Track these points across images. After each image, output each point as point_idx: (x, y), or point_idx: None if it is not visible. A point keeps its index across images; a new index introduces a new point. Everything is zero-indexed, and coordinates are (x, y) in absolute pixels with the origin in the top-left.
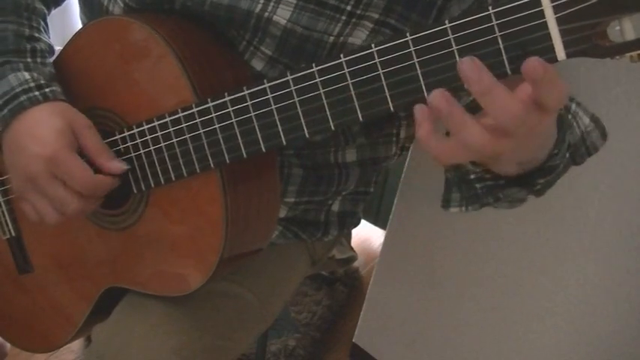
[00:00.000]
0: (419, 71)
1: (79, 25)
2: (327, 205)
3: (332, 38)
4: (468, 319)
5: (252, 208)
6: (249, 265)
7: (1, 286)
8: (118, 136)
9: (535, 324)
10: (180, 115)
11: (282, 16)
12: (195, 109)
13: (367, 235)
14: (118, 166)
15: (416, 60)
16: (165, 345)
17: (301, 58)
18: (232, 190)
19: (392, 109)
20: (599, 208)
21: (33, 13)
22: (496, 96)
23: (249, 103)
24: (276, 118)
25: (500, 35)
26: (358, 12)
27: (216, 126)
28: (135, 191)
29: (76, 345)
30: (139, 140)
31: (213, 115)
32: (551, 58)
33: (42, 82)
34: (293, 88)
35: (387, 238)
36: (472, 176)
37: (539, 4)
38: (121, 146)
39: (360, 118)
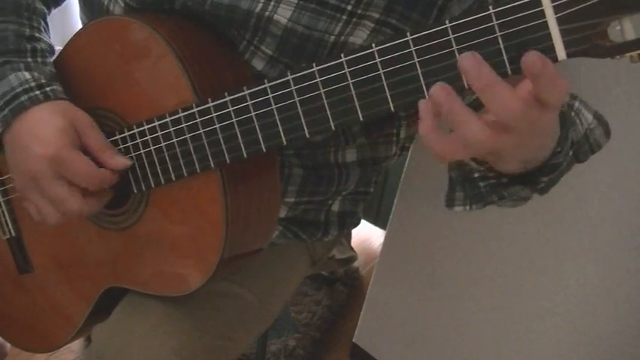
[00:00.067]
0: (419, 71)
1: (79, 25)
2: (327, 205)
3: (333, 38)
4: (468, 319)
5: (253, 208)
6: (249, 265)
7: (1, 286)
8: (118, 136)
9: (535, 324)
10: (181, 115)
11: (283, 15)
12: (195, 109)
13: (367, 235)
14: (122, 161)
15: (416, 60)
16: (166, 345)
17: (302, 58)
18: (233, 190)
19: (392, 109)
20: (599, 208)
21: (33, 13)
22: (496, 91)
23: (249, 102)
24: (277, 117)
25: (501, 35)
26: (359, 11)
27: (217, 126)
28: (135, 191)
29: (76, 345)
30: (139, 140)
31: (214, 115)
32: (552, 58)
33: (42, 81)
34: (293, 87)
35: (387, 238)
36: (476, 175)
37: (540, 4)
38: (122, 146)
39: (361, 118)
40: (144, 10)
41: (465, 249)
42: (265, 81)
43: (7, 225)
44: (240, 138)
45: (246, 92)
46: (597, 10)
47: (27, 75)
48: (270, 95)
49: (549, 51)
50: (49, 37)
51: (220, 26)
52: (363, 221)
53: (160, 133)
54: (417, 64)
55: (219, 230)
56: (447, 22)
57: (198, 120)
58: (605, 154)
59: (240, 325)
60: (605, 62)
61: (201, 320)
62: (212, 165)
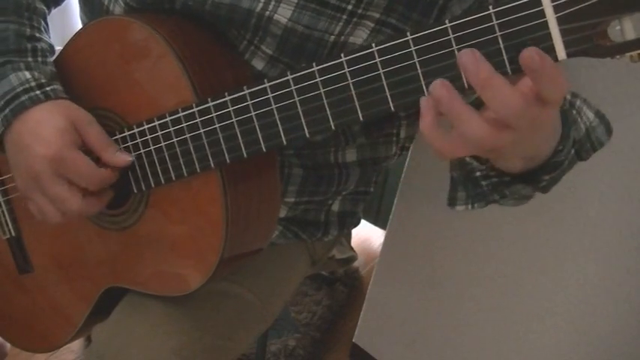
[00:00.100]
0: (419, 71)
1: (79, 25)
2: (327, 205)
3: (333, 37)
4: (468, 319)
5: (253, 207)
6: (249, 265)
7: (1, 286)
8: (118, 136)
9: (535, 324)
10: (181, 114)
11: (283, 15)
12: (195, 109)
13: (367, 235)
14: (124, 158)
15: (416, 59)
16: (166, 345)
17: (302, 58)
18: (233, 190)
19: (392, 108)
20: (599, 208)
21: (34, 13)
22: (495, 88)
23: (249, 102)
24: (277, 117)
25: (501, 35)
26: (359, 11)
27: (217, 125)
28: (135, 191)
29: (76, 345)
30: (139, 140)
31: (214, 114)
32: (552, 58)
33: (43, 80)
34: (293, 87)
35: (387, 238)
36: (477, 174)
37: (540, 4)
38: (122, 146)
39: (361, 118)
40: (144, 10)
41: (465, 249)
42: (265, 81)
43: (7, 225)
44: (240, 138)
45: (246, 92)
46: (597, 10)
47: (27, 75)
48: (270, 95)
49: (549, 51)
50: (49, 37)
51: (220, 26)
52: (363, 221)
53: (159, 133)
54: (417, 63)
55: (219, 230)
56: (446, 21)
57: (198, 120)
58: (605, 154)
59: (241, 325)
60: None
61: (201, 320)
62: (212, 165)
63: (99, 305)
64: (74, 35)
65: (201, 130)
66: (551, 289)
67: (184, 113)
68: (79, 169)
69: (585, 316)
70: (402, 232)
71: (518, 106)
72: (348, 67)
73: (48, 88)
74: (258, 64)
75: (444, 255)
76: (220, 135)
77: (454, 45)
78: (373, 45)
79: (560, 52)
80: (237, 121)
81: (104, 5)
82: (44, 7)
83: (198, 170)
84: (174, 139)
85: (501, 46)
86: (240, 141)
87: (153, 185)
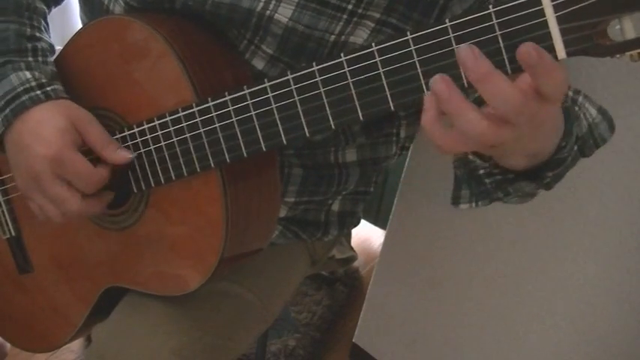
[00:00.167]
0: (419, 70)
1: (79, 25)
2: (327, 205)
3: (333, 37)
4: (468, 319)
5: (253, 207)
6: (249, 265)
7: (1, 286)
8: (118, 136)
9: (535, 324)
10: (181, 114)
11: (284, 14)
12: (195, 109)
13: (367, 235)
14: (124, 155)
15: (416, 59)
16: (166, 345)
17: (302, 57)
18: (233, 190)
19: (392, 108)
20: (599, 208)
21: (34, 12)
22: (494, 83)
23: (249, 102)
24: (277, 117)
25: (501, 34)
26: (359, 11)
27: (217, 125)
28: (135, 191)
29: (76, 345)
30: (139, 139)
31: (214, 114)
32: (552, 57)
33: (43, 80)
34: (293, 87)
35: (387, 238)
36: (481, 172)
37: (540, 3)
38: (122, 145)
39: (361, 118)
40: (144, 10)
41: (465, 249)
42: (265, 80)
43: (7, 225)
44: (240, 137)
45: (246, 91)
46: (597, 9)
47: (28, 74)
48: (270, 94)
49: (549, 50)
50: (50, 37)
51: (221, 26)
52: (363, 221)
53: (159, 133)
54: (416, 63)
55: (219, 230)
56: (446, 20)
57: (198, 119)
58: (605, 154)
59: (241, 325)
60: (605, 62)
61: (201, 320)
62: (212, 164)
63: (99, 305)
64: (74, 35)
65: (201, 130)
66: (551, 289)
67: (184, 113)
68: (76, 170)
69: (585, 316)
70: (402, 232)
71: (517, 101)
72: (348, 67)
73: (48, 88)
74: (259, 64)
75: (444, 255)
76: (220, 134)
77: (454, 44)
78: (373, 44)
79: (560, 51)
80: (237, 120)
81: (104, 5)
82: (44, 7)
83: (198, 170)
84: (174, 139)
85: (501, 45)
86: (240, 140)
87: (153, 185)
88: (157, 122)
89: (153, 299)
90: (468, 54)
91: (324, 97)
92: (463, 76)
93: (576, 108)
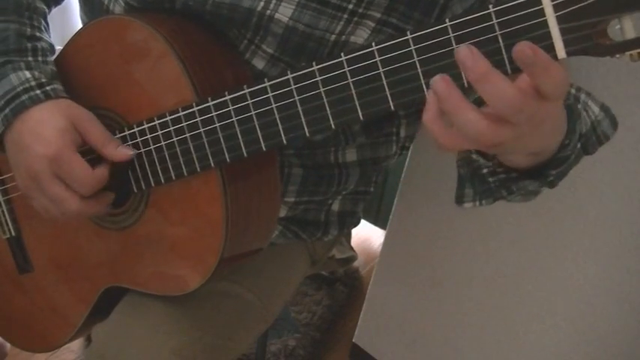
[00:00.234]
0: (419, 70)
1: (79, 25)
2: (327, 205)
3: (334, 37)
4: (468, 319)
5: (253, 207)
6: (249, 265)
7: (0, 285)
8: (118, 135)
9: (535, 324)
10: (181, 114)
11: (284, 14)
12: (195, 108)
13: (367, 235)
14: (125, 152)
15: (416, 59)
16: (166, 345)
17: (302, 57)
18: (233, 190)
19: (392, 107)
20: (599, 208)
21: (34, 12)
22: (493, 83)
23: (249, 101)
24: (277, 116)
25: (501, 34)
26: (360, 11)
27: (217, 125)
28: (135, 190)
29: (76, 345)
30: (139, 139)
31: (214, 114)
32: (552, 57)
33: (43, 80)
34: (293, 86)
35: (387, 238)
36: (484, 170)
37: (540, 3)
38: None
39: (361, 117)
40: (144, 10)
41: (465, 249)
42: (265, 80)
43: (7, 224)
44: (240, 137)
45: (246, 91)
46: (597, 9)
47: (27, 74)
48: (270, 94)
49: (549, 49)
50: (50, 37)
51: (221, 25)
52: (363, 221)
53: (160, 132)
54: (416, 62)
55: (219, 230)
56: (446, 20)
57: (198, 119)
58: (605, 155)
59: (241, 325)
60: (605, 61)
61: (202, 320)
62: (212, 164)
63: (98, 305)
64: (74, 35)
65: (202, 130)
66: (551, 288)
67: (184, 112)
68: (73, 172)
69: (585, 316)
70: (402, 232)
71: (516, 100)
72: (348, 67)
73: (48, 88)
74: (259, 64)
75: (444, 255)
76: (220, 134)
77: (454, 44)
78: (373, 44)
79: (560, 50)
80: (237, 120)
81: (104, 5)
82: (44, 7)
83: (198, 169)
84: (174, 139)
85: (501, 44)
86: (240, 140)
87: (153, 185)
88: (157, 122)
89: (153, 299)
90: (466, 54)
91: (324, 97)
92: (463, 76)
93: (579, 105)
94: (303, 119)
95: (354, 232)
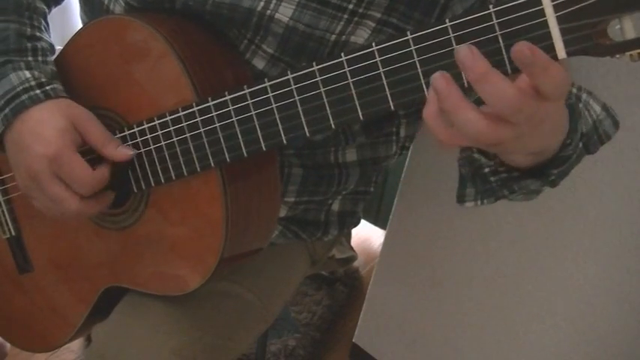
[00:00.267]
0: (419, 70)
1: (80, 25)
2: (327, 205)
3: (334, 37)
4: (468, 319)
5: (253, 207)
6: (249, 265)
7: (0, 285)
8: (118, 135)
9: (535, 324)
10: (181, 113)
11: (285, 14)
12: (195, 108)
13: (367, 235)
14: (125, 152)
15: (416, 59)
16: (166, 345)
17: (303, 57)
18: (233, 190)
19: (392, 107)
20: (599, 208)
21: (34, 12)
22: (491, 83)
23: (249, 101)
24: (277, 116)
25: (501, 34)
26: (360, 11)
27: (217, 125)
28: (135, 190)
29: (76, 345)
30: (139, 139)
31: (214, 113)
32: (552, 57)
33: (43, 80)
34: (293, 86)
35: (387, 238)
36: (486, 170)
37: (540, 3)
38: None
39: (361, 117)
40: (144, 10)
41: (465, 249)
42: (265, 80)
43: (7, 224)
44: (240, 137)
45: (247, 91)
46: (597, 9)
47: (27, 74)
48: (270, 94)
49: (549, 50)
50: (50, 36)
51: (221, 25)
52: (363, 221)
53: (160, 132)
54: (416, 62)
55: (219, 230)
56: (446, 20)
57: (198, 119)
58: (605, 155)
59: (241, 325)
60: (605, 61)
61: (202, 320)
62: (212, 164)
63: (98, 305)
64: (74, 35)
65: (202, 130)
66: (551, 288)
67: (184, 112)
68: (73, 172)
69: (585, 316)
70: (402, 232)
71: (514, 100)
72: (348, 67)
73: (48, 88)
74: (259, 64)
75: (444, 255)
76: (220, 134)
77: (454, 44)
78: (373, 44)
79: (560, 51)
80: (237, 120)
81: (104, 4)
82: (44, 7)
83: (198, 169)
84: (175, 139)
85: (501, 44)
86: (240, 140)
87: (153, 185)
88: (157, 122)
89: (153, 299)
90: (466, 54)
91: (324, 97)
92: (463, 76)
93: (580, 105)
94: (303, 119)
95: (354, 232)
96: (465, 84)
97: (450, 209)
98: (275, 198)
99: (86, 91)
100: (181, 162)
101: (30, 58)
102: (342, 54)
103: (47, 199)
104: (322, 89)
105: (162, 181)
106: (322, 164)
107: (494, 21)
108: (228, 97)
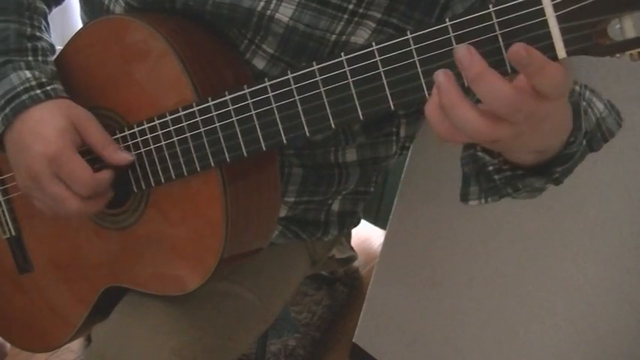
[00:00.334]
0: (419, 69)
1: (80, 25)
2: (327, 205)
3: (334, 37)
4: (468, 319)
5: (253, 207)
6: (249, 265)
7: (0, 285)
8: (118, 135)
9: (535, 324)
10: (181, 113)
11: (285, 14)
12: (195, 108)
13: (367, 235)
14: (124, 156)
15: (416, 58)
16: (166, 345)
17: (303, 57)
18: (233, 190)
19: (392, 107)
20: (599, 208)
21: (34, 12)
22: (489, 82)
23: (249, 101)
24: (277, 116)
25: (501, 33)
26: (360, 11)
27: (217, 124)
28: (135, 190)
29: (76, 345)
30: (139, 139)
31: (214, 113)
32: (552, 57)
33: (43, 80)
34: (293, 86)
35: (387, 238)
36: (490, 168)
37: (540, 3)
38: (122, 145)
39: (361, 117)
40: (145, 10)
41: (465, 249)
42: (265, 80)
43: (7, 224)
44: (240, 137)
45: (247, 91)
46: (597, 9)
47: (28, 74)
48: (271, 94)
49: (549, 49)
50: (50, 36)
51: (221, 25)
52: (363, 221)
53: (160, 132)
54: (416, 62)
55: (219, 230)
56: (446, 20)
57: (198, 119)
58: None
59: (241, 325)
60: (605, 61)
61: (202, 320)
62: (212, 164)
63: (98, 305)
64: (75, 35)
65: (202, 129)
66: (551, 288)
67: (184, 112)
68: (73, 172)
69: (585, 316)
70: (402, 232)
71: (511, 99)
72: (348, 66)
73: (48, 88)
74: (259, 64)
75: (444, 255)
76: (220, 134)
77: (454, 43)
78: (373, 44)
79: (560, 50)
80: (237, 120)
81: (104, 5)
82: (45, 7)
83: (198, 169)
84: (175, 138)
85: (501, 44)
86: (241, 140)
87: (153, 184)
88: (157, 122)
89: (153, 299)
90: (464, 53)
91: (324, 97)
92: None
93: (584, 102)
94: (303, 119)
95: (354, 232)
96: (465, 83)
97: (450, 209)
98: (275, 198)
99: (86, 91)
100: (181, 162)
101: (30, 58)
102: (342, 53)
103: (48, 199)
104: (322, 89)
105: (163, 180)
106: (322, 164)
107: (494, 20)
108: (228, 97)
